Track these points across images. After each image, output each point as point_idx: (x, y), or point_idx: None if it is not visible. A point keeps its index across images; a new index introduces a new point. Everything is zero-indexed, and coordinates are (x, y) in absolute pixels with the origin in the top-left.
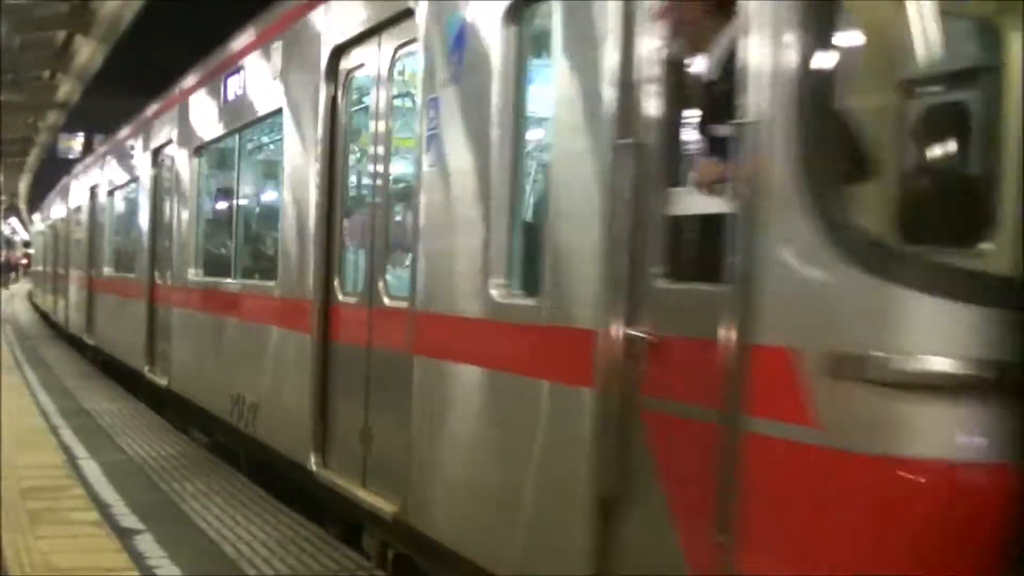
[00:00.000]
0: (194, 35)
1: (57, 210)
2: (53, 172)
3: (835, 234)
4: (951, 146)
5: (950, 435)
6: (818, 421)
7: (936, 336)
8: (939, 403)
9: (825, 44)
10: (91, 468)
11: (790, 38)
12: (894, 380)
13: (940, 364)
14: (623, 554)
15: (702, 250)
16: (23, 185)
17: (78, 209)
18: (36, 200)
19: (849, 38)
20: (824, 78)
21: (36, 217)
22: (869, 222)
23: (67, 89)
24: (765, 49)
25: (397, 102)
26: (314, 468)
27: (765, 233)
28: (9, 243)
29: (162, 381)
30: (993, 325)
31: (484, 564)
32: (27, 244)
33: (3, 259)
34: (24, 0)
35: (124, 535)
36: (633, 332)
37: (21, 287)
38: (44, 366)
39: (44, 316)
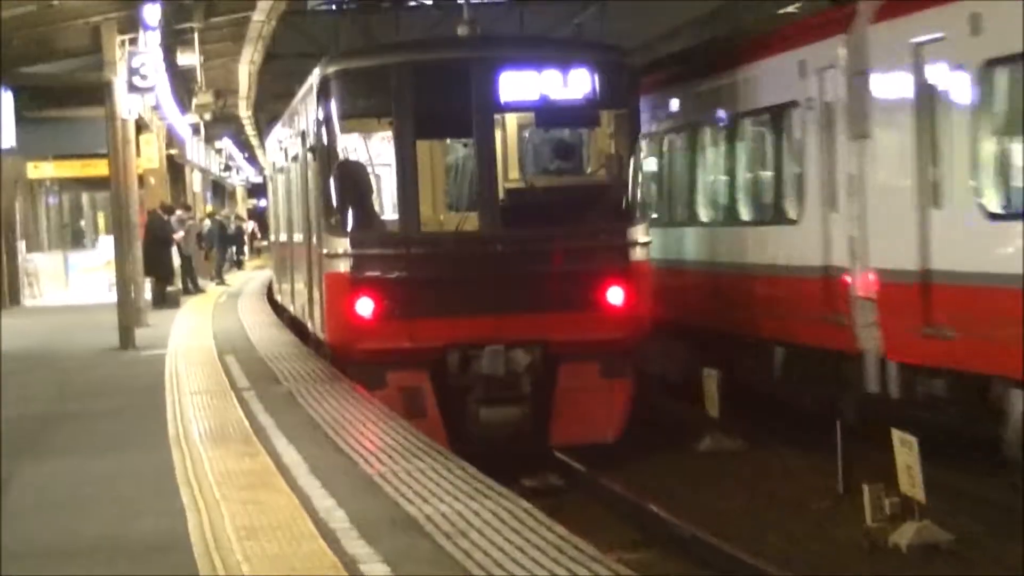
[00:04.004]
0: None
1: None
2: (297, 53)
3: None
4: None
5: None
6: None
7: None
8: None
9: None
10: None
11: None
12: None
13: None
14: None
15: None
16: (244, 73)
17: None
18: (268, 104)
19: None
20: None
21: (272, 140)
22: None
23: None
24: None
25: None
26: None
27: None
28: (216, 188)
29: None
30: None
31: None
32: (254, 192)
33: (208, 225)
34: None
35: None
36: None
37: (251, 273)
38: (311, 432)
39: (295, 328)
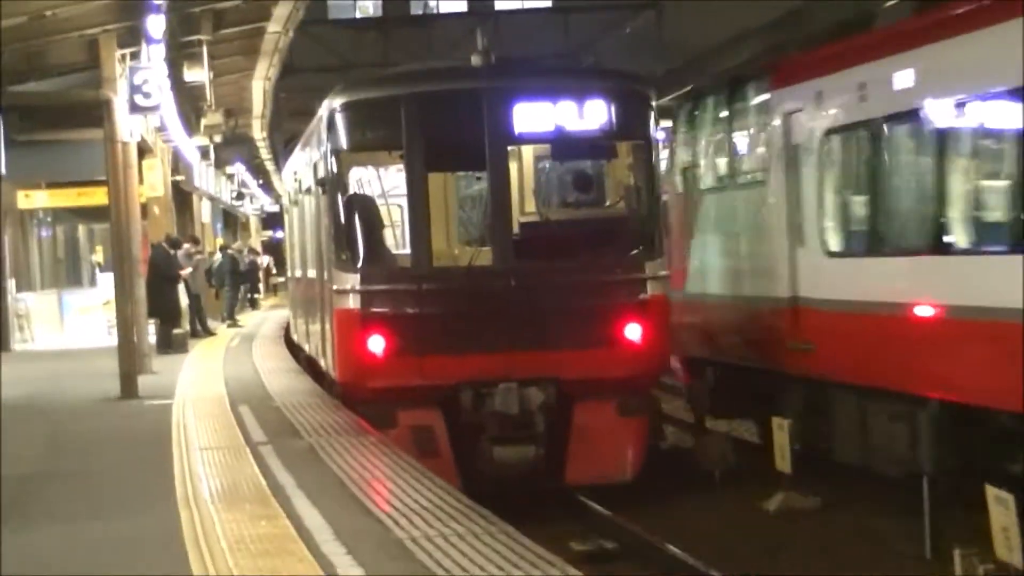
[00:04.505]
0: None
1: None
2: (316, 67)
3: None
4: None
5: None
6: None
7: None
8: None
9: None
10: None
11: None
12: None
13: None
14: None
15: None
16: (258, 90)
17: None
18: (284, 124)
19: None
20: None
21: (288, 169)
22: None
23: None
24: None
25: None
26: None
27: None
28: (227, 219)
29: None
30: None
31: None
32: (269, 223)
33: (218, 259)
34: None
35: None
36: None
37: (267, 313)
38: (336, 491)
39: (312, 369)
